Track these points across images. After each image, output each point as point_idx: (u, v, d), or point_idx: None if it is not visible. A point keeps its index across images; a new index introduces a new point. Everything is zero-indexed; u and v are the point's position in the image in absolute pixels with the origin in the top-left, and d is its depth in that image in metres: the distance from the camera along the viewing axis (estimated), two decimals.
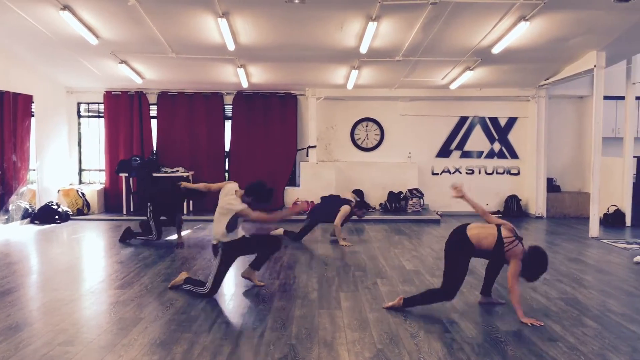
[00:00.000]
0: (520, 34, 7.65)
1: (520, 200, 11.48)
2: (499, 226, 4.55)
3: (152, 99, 11.39)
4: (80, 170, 11.73)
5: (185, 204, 9.85)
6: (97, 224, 9.78)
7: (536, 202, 11.19)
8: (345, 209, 8.00)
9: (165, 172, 10.85)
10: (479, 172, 11.78)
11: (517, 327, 4.28)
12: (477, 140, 11.73)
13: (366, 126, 11.75)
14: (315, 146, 11.32)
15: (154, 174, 10.70)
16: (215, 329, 4.22)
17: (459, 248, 4.56)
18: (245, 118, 11.37)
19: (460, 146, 11.74)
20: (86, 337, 4.02)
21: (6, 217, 9.25)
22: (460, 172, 11.78)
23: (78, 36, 7.98)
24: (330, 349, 3.81)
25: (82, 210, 10.57)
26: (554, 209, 11.23)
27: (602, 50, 8.56)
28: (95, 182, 11.71)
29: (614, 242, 8.22)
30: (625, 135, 10.04)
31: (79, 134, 11.64)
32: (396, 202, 11.06)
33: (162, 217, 7.85)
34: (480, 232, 4.55)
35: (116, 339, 3.98)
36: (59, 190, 10.61)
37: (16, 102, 9.50)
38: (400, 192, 11.18)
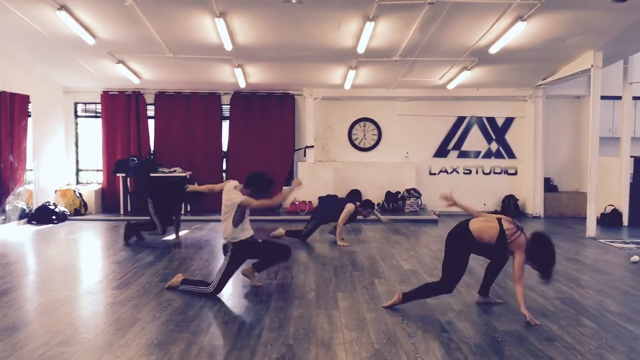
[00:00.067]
0: (517, 34, 7.66)
1: (518, 200, 11.50)
2: (499, 219, 4.56)
3: (150, 99, 11.39)
4: (78, 171, 11.72)
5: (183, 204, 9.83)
6: (95, 224, 9.76)
7: (533, 202, 11.21)
8: (349, 207, 7.93)
9: (163, 172, 10.85)
10: (477, 172, 11.79)
11: (514, 327, 4.28)
12: (475, 140, 11.75)
13: (364, 126, 11.75)
14: (312, 146, 11.32)
15: (152, 174, 10.68)
16: (213, 329, 4.21)
17: (460, 241, 4.57)
18: (243, 118, 11.37)
19: (457, 146, 11.76)
20: (83, 338, 4.02)
21: (3, 217, 9.23)
22: (458, 172, 11.79)
23: (75, 36, 7.96)
24: (328, 349, 3.81)
25: (80, 210, 10.56)
26: (551, 209, 11.25)
27: (599, 50, 8.57)
28: (92, 182, 11.69)
29: (611, 241, 8.24)
30: (622, 135, 10.06)
31: (76, 134, 11.63)
32: (394, 202, 11.07)
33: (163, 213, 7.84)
34: (482, 226, 4.55)
35: (113, 339, 3.97)
36: (56, 191, 10.60)
37: (13, 102, 9.48)
38: (398, 192, 11.19)
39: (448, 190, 11.62)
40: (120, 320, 4.41)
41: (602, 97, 8.95)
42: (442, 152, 11.78)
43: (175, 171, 10.89)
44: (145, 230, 7.99)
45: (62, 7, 7.07)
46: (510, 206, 11.34)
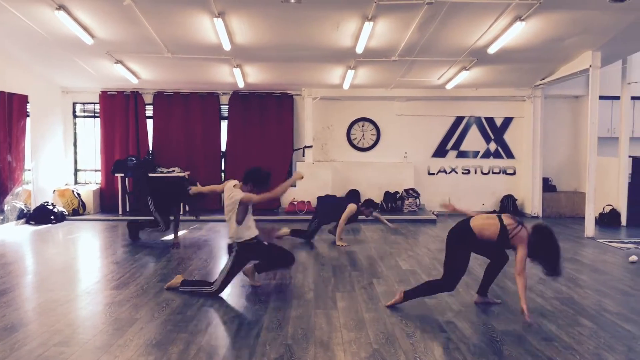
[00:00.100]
0: (516, 34, 7.66)
1: (516, 200, 11.50)
2: (499, 216, 4.58)
3: (148, 99, 11.38)
4: (76, 171, 11.70)
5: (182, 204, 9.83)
6: (93, 224, 9.75)
7: (532, 201, 11.21)
8: (351, 207, 7.90)
9: (162, 172, 10.84)
10: (475, 172, 11.80)
11: (513, 327, 4.29)
12: (473, 140, 11.75)
13: (362, 126, 11.75)
14: (311, 146, 11.32)
15: (150, 174, 10.68)
16: (211, 329, 4.21)
17: (461, 239, 4.58)
18: (242, 118, 11.36)
19: (456, 146, 11.76)
20: (82, 338, 4.01)
21: (1, 217, 9.22)
22: (456, 172, 11.80)
23: (73, 36, 7.95)
24: (327, 349, 3.81)
25: (78, 210, 10.54)
26: (549, 209, 11.26)
27: (598, 50, 8.58)
28: (91, 182, 11.68)
29: (609, 241, 8.25)
30: (620, 135, 10.07)
31: (75, 134, 11.61)
32: (392, 202, 11.07)
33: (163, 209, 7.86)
34: (483, 223, 4.57)
35: (112, 339, 3.97)
36: (54, 191, 10.58)
37: (11, 102, 9.47)
38: (397, 192, 11.19)
39: (446, 190, 11.64)
40: (118, 320, 4.41)
41: (601, 97, 8.95)
42: (440, 152, 11.78)
43: (173, 171, 10.88)
44: (149, 227, 7.97)
45: (61, 7, 7.06)
46: (508, 206, 11.34)
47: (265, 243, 5.53)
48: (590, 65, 8.65)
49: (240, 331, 4.18)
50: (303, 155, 11.39)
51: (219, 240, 8.31)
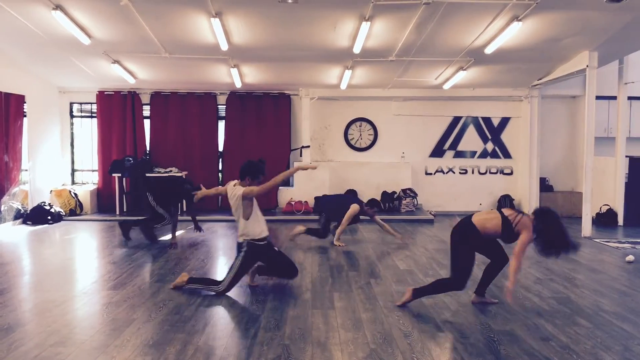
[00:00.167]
0: (513, 34, 7.68)
1: (514, 199, 11.53)
2: (499, 209, 4.67)
3: (145, 99, 11.36)
4: (73, 171, 11.68)
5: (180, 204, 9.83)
6: (90, 225, 9.74)
7: (529, 201, 11.23)
8: (354, 208, 7.83)
9: (159, 172, 10.82)
10: (472, 172, 11.81)
11: (510, 327, 4.29)
12: (471, 140, 11.77)
13: (360, 126, 11.76)
14: (309, 146, 11.32)
15: (147, 174, 10.66)
16: (209, 330, 4.21)
17: (464, 235, 4.62)
18: (239, 118, 11.35)
19: (453, 146, 11.77)
20: (79, 338, 4.01)
21: None
22: (454, 172, 11.81)
23: (70, 36, 7.94)
24: (324, 349, 3.81)
25: (75, 210, 10.53)
26: None
27: (595, 51, 8.60)
28: (88, 182, 11.66)
29: (606, 241, 8.26)
30: (617, 135, 10.09)
31: (72, 134, 11.59)
32: (390, 202, 11.08)
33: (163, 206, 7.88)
34: (484, 218, 4.63)
35: (109, 339, 3.97)
36: (51, 191, 10.57)
37: (8, 103, 9.45)
38: (394, 192, 11.20)
39: (444, 190, 11.67)
40: (115, 320, 4.41)
41: (597, 97, 8.97)
42: (438, 152, 11.79)
43: (171, 171, 10.87)
44: (156, 224, 7.94)
45: (58, 7, 7.05)
46: (505, 206, 11.27)
47: (276, 248, 5.59)
48: (587, 66, 8.68)
49: (237, 331, 4.18)
50: (300, 155, 11.39)
51: (216, 240, 8.31)
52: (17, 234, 8.75)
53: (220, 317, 4.58)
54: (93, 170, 11.64)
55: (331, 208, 8.13)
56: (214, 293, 5.16)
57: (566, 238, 4.39)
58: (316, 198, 10.67)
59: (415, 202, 11.11)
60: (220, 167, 11.50)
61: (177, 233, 7.98)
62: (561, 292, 5.37)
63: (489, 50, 8.38)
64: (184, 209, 10.64)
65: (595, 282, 5.80)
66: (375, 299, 5.07)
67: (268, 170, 5.57)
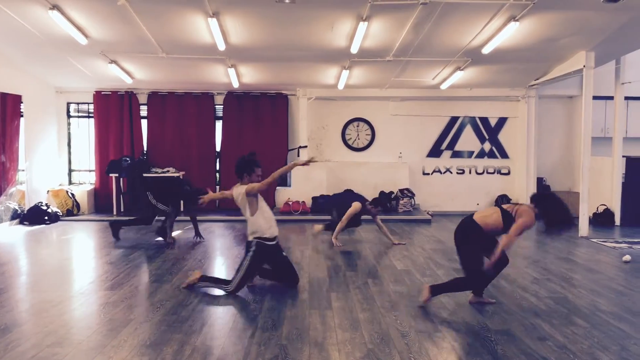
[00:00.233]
0: (510, 34, 7.69)
1: (511, 199, 11.53)
2: (498, 205, 4.82)
3: (143, 99, 11.35)
4: (70, 171, 11.66)
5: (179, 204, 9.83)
6: (87, 225, 9.72)
7: (526, 201, 11.21)
8: (356, 206, 7.80)
9: (156, 172, 10.81)
10: (470, 172, 11.82)
11: (507, 327, 4.30)
12: (468, 140, 11.78)
13: (357, 126, 11.76)
14: (306, 146, 11.31)
15: (145, 174, 10.64)
16: (206, 330, 4.20)
17: (467, 234, 4.70)
18: (236, 118, 11.35)
19: (451, 146, 11.78)
20: (76, 339, 4.00)
21: None
22: (451, 172, 11.82)
23: (67, 36, 7.92)
24: (321, 349, 3.81)
25: (72, 210, 10.51)
26: None
27: (592, 51, 8.61)
28: (85, 182, 11.64)
29: (603, 241, 8.27)
30: (614, 135, 10.10)
31: (69, 134, 11.57)
32: (387, 202, 11.07)
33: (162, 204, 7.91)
34: (485, 214, 4.74)
35: (106, 340, 3.96)
36: (48, 191, 10.54)
37: (5, 102, 9.43)
38: (392, 192, 11.20)
39: (441, 189, 11.68)
40: (113, 321, 4.40)
41: (594, 97, 8.99)
42: (435, 152, 11.80)
43: (168, 171, 10.86)
44: (164, 219, 7.99)
45: (54, 7, 7.03)
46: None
47: (284, 253, 5.63)
48: (584, 66, 8.70)
49: (234, 331, 4.18)
50: (298, 156, 11.38)
51: (213, 240, 8.30)
52: (14, 235, 8.74)
53: (218, 317, 4.57)
54: (90, 171, 11.62)
55: (343, 201, 8.22)
56: (224, 292, 5.19)
57: (569, 211, 4.61)
58: (314, 198, 10.71)
59: (413, 202, 11.11)
60: (217, 167, 11.49)
61: (175, 233, 7.97)
62: (558, 292, 5.38)
63: (486, 50, 8.39)
64: (181, 209, 10.65)
65: (592, 282, 5.80)
66: (373, 299, 5.07)
67: (265, 170, 5.57)
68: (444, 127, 11.75)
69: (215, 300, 5.07)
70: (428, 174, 11.82)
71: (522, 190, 11.38)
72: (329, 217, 8.51)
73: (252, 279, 5.44)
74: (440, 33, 7.97)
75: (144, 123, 11.38)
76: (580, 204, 8.82)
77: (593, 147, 9.00)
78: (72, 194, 10.65)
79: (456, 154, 11.80)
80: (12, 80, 9.67)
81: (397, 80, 10.47)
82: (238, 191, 5.35)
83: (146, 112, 11.35)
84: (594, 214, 10.06)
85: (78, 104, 11.55)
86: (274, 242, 5.42)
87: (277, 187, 11.35)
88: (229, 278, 5.37)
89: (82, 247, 7.92)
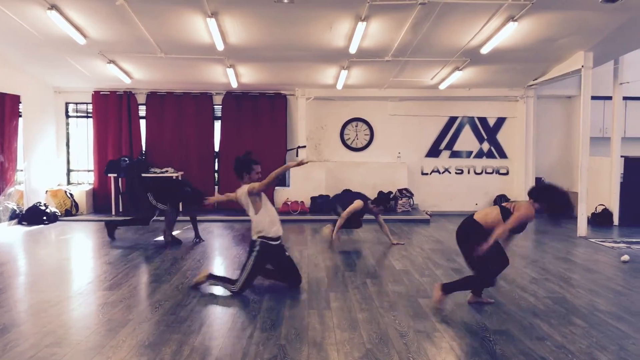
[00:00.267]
0: (508, 34, 7.69)
1: (509, 199, 11.54)
2: (497, 203, 4.80)
3: (141, 99, 11.34)
4: (69, 171, 11.65)
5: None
6: (86, 225, 9.71)
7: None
8: (357, 203, 7.77)
9: (155, 172, 10.80)
10: (468, 172, 11.83)
11: (506, 327, 4.30)
12: (466, 140, 11.78)
13: (356, 126, 11.76)
14: (305, 146, 11.31)
15: (143, 174, 10.64)
16: (204, 330, 4.20)
17: (468, 234, 4.73)
18: (235, 118, 11.34)
19: (449, 146, 11.79)
20: (74, 339, 4.00)
21: None
22: (450, 172, 11.82)
23: (66, 36, 7.92)
24: (320, 349, 3.81)
25: (71, 211, 10.50)
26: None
27: (590, 51, 8.62)
28: (83, 182, 11.63)
29: (601, 241, 8.28)
30: (612, 135, 10.11)
31: (67, 134, 11.56)
32: (389, 201, 11.07)
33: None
34: (485, 213, 4.80)
35: (104, 340, 3.96)
36: (47, 191, 10.53)
37: (3, 102, 9.42)
38: (390, 192, 11.20)
39: (440, 190, 11.68)
40: (111, 321, 4.40)
41: (593, 98, 8.99)
42: (434, 152, 11.80)
43: (167, 171, 10.85)
44: (167, 218, 7.97)
45: (53, 7, 7.03)
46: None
47: (287, 254, 5.64)
48: (582, 66, 8.70)
49: (233, 331, 4.18)
50: (297, 156, 11.38)
51: (212, 240, 8.30)
52: (13, 235, 8.73)
53: (216, 318, 4.57)
54: (89, 171, 11.61)
55: (340, 201, 8.22)
56: (230, 292, 5.19)
57: (567, 194, 4.67)
58: (312, 198, 10.70)
59: (412, 202, 11.12)
60: (216, 167, 11.48)
61: (175, 233, 7.97)
62: (557, 291, 5.38)
63: (484, 50, 8.40)
64: (180, 209, 10.64)
65: (590, 281, 5.81)
66: (372, 299, 5.07)
67: (263, 171, 5.58)
68: (442, 127, 11.76)
69: (214, 300, 5.07)
70: (427, 174, 11.82)
71: (520, 190, 11.38)
72: (328, 217, 8.50)
73: (255, 278, 5.43)
74: (439, 33, 7.98)
75: (143, 123, 11.38)
76: (579, 204, 8.82)
77: (591, 147, 9.01)
78: (71, 194, 10.64)
79: (455, 154, 11.81)
80: (11, 80, 9.67)
81: (396, 81, 10.47)
82: (241, 191, 5.38)
83: (145, 112, 11.34)
84: (593, 214, 10.07)
85: (77, 104, 11.54)
86: (278, 242, 5.42)
87: (276, 187, 11.35)
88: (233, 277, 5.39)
89: (81, 247, 7.91)
